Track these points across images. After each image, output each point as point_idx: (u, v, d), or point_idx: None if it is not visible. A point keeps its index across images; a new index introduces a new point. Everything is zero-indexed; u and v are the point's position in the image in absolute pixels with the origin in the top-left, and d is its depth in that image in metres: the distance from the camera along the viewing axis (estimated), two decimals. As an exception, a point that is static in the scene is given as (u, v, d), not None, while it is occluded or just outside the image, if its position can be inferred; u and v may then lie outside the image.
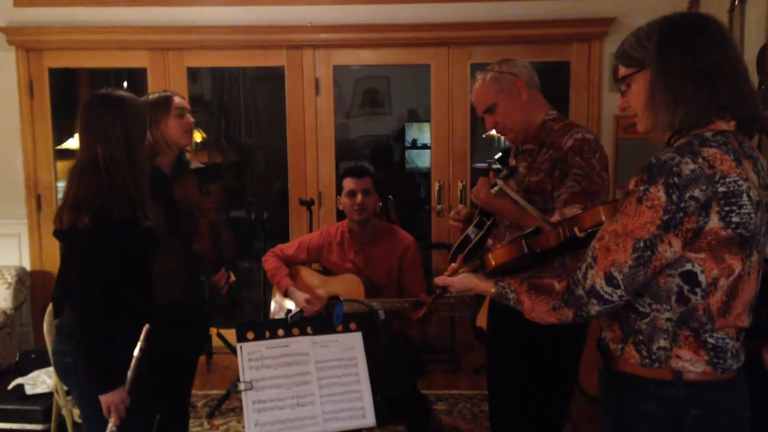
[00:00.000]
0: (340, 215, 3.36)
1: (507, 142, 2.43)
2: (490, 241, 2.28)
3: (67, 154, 4.82)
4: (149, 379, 2.15)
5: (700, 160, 1.30)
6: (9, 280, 4.33)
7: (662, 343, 1.39)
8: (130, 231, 2.06)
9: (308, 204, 3.99)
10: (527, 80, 2.24)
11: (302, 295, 3.16)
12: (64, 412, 2.91)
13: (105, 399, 2.00)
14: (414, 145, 6.65)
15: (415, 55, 4.63)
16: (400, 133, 6.70)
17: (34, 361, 3.70)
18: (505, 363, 2.34)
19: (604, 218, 1.45)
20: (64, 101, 5.01)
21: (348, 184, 3.21)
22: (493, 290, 1.61)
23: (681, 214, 1.30)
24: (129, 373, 2.01)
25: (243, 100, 6.63)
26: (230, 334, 4.29)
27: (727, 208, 1.30)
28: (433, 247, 4.62)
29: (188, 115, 2.59)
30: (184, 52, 4.58)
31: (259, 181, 6.67)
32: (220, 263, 2.77)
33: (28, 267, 4.60)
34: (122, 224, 2.03)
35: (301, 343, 1.96)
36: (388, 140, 6.87)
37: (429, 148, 4.99)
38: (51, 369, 3.04)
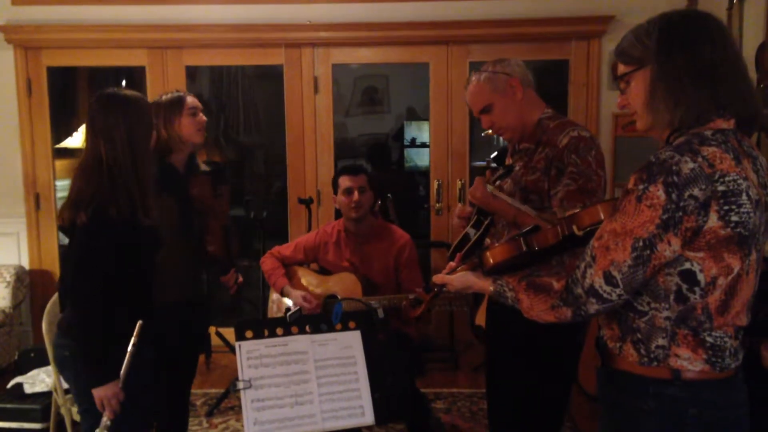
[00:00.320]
0: (339, 214, 3.36)
1: (505, 141, 2.43)
2: (488, 240, 2.28)
3: (66, 152, 4.82)
4: (146, 374, 2.16)
5: (700, 159, 1.30)
6: (8, 279, 4.32)
7: (661, 341, 1.39)
8: (127, 230, 2.06)
9: (307, 203, 3.99)
10: (521, 79, 2.24)
11: (298, 293, 3.16)
12: (63, 410, 2.90)
13: (97, 393, 2.03)
14: (413, 143, 6.64)
15: (414, 54, 4.63)
16: (399, 132, 6.70)
17: (33, 359, 3.70)
18: (503, 361, 2.34)
19: (602, 217, 1.45)
20: (63, 100, 5.01)
21: (344, 182, 3.21)
22: (491, 288, 1.61)
23: (680, 213, 1.29)
24: (123, 368, 2.02)
25: (242, 98, 6.62)
26: (229, 333, 4.29)
27: (726, 207, 1.30)
28: (432, 245, 4.62)
29: (201, 114, 2.65)
30: (182, 50, 4.58)
31: (258, 180, 6.66)
32: (230, 264, 2.81)
33: (26, 266, 4.60)
34: (119, 223, 2.04)
35: (300, 341, 1.97)
36: (387, 139, 6.87)
37: (428, 146, 4.99)
38: (50, 368, 3.04)
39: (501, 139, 2.45)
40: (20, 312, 4.50)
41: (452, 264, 1.80)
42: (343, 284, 3.18)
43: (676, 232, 1.31)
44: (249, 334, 1.93)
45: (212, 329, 4.47)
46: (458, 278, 1.72)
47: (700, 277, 1.34)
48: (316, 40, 4.53)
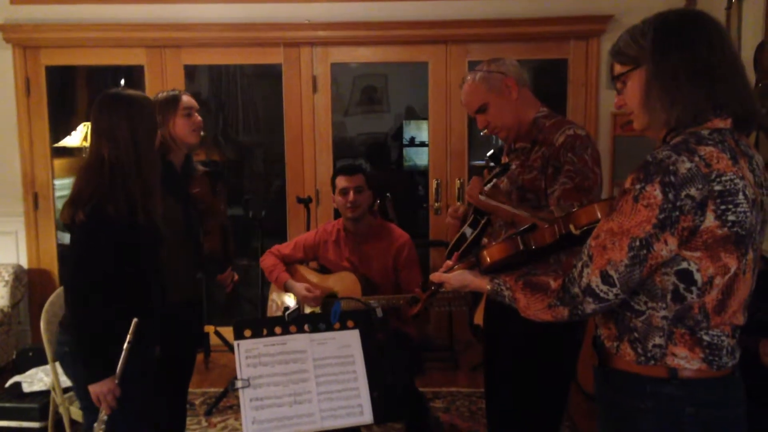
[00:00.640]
0: (339, 213, 3.36)
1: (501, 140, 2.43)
2: (485, 239, 2.28)
3: (65, 152, 4.82)
4: (147, 372, 2.16)
5: (697, 159, 1.30)
6: (6, 278, 4.32)
7: (657, 340, 1.39)
8: (125, 229, 2.07)
9: (306, 202, 3.99)
10: (517, 79, 2.24)
11: (301, 285, 3.16)
12: (61, 409, 2.90)
13: (93, 389, 2.04)
14: (412, 142, 6.64)
15: (413, 53, 4.63)
16: (398, 131, 6.70)
17: (32, 359, 3.70)
18: (502, 360, 2.34)
19: (599, 216, 1.45)
20: (61, 99, 5.00)
21: (340, 182, 3.21)
22: (488, 287, 1.61)
23: (677, 213, 1.30)
24: (119, 365, 2.02)
25: (240, 97, 6.62)
26: (228, 332, 4.29)
27: (723, 207, 1.30)
28: (431, 244, 4.62)
29: (196, 114, 2.63)
30: (181, 49, 4.57)
31: (256, 179, 6.66)
32: (227, 263, 2.81)
33: (25, 265, 4.59)
34: (117, 222, 2.05)
35: (299, 340, 1.97)
36: (386, 138, 6.87)
37: (427, 145, 4.98)
38: (48, 367, 3.04)
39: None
40: (18, 311, 4.50)
41: (449, 262, 1.80)
42: (343, 283, 3.18)
43: (672, 232, 1.31)
44: (248, 333, 1.94)
45: (211, 328, 4.47)
46: (455, 277, 1.72)
47: (697, 276, 1.34)
48: (315, 39, 4.53)
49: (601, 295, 1.37)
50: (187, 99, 2.62)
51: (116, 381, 2.04)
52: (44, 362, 3.34)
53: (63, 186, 4.66)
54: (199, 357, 4.41)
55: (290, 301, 3.31)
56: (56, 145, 4.65)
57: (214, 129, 6.43)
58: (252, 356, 1.92)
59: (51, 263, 4.66)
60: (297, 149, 4.65)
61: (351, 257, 3.25)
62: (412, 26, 4.42)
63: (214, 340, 4.47)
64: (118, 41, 4.49)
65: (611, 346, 1.46)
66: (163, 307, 2.26)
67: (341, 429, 1.92)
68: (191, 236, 2.61)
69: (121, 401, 2.06)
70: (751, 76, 3.18)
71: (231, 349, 3.95)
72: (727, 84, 1.36)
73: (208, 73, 6.27)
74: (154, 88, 4.42)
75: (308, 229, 3.92)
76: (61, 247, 4.67)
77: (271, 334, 1.95)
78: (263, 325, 1.97)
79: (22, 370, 3.61)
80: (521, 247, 1.59)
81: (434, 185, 4.65)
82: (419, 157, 6.45)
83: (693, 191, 1.29)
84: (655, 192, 1.29)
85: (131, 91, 2.20)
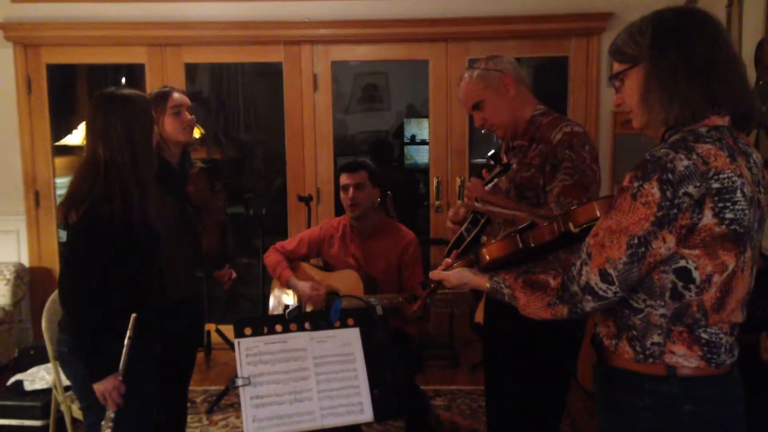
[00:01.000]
0: (339, 211, 3.35)
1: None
2: (484, 238, 2.28)
3: (66, 150, 4.82)
4: (148, 368, 2.17)
5: (694, 156, 1.30)
6: (7, 277, 4.33)
7: (656, 338, 1.39)
8: (120, 229, 2.06)
9: (306, 200, 3.98)
10: (514, 77, 2.24)
11: (305, 283, 3.14)
12: (63, 407, 2.91)
13: (97, 387, 2.04)
14: (413, 141, 6.64)
15: (414, 51, 4.63)
16: (399, 129, 6.70)
17: (33, 357, 3.70)
18: (501, 358, 2.34)
19: (598, 214, 1.45)
20: (62, 97, 5.01)
21: (342, 179, 3.19)
22: (487, 285, 1.61)
23: (675, 211, 1.30)
24: (122, 361, 2.03)
25: (241, 96, 6.62)
26: (229, 330, 4.30)
27: (720, 205, 1.30)
28: (431, 243, 4.62)
29: (186, 113, 2.59)
30: (181, 47, 4.57)
31: (257, 177, 6.66)
32: (224, 260, 2.80)
33: (26, 263, 4.60)
34: (112, 222, 2.04)
35: (299, 338, 1.97)
36: (387, 136, 6.87)
37: (427, 143, 4.98)
38: (50, 365, 3.05)
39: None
40: (20, 309, 4.51)
41: (448, 260, 1.80)
42: (345, 282, 3.17)
43: (670, 230, 1.31)
44: (248, 331, 1.93)
45: (212, 327, 4.47)
46: (455, 274, 1.71)
47: (695, 274, 1.34)
48: (315, 38, 4.53)
49: (600, 293, 1.37)
50: (177, 96, 2.58)
51: (120, 378, 2.04)
52: (46, 360, 3.34)
53: (64, 184, 4.65)
54: (201, 355, 4.42)
55: (289, 299, 3.31)
56: (57, 143, 4.66)
57: (215, 127, 6.43)
58: (252, 354, 1.92)
59: (52, 261, 4.67)
60: (298, 147, 4.65)
61: (356, 252, 3.24)
62: (412, 24, 4.41)
63: (215, 338, 4.47)
64: (119, 39, 4.49)
65: (610, 344, 1.47)
66: (160, 305, 2.26)
67: (341, 427, 1.92)
68: (188, 234, 2.60)
69: (126, 397, 2.06)
70: (752, 73, 3.17)
71: (232, 347, 3.97)
72: (726, 81, 1.36)
73: (209, 71, 6.27)
74: (154, 87, 4.38)
75: (309, 227, 3.92)
76: (62, 246, 4.67)
77: (272, 332, 1.95)
78: (264, 323, 1.97)
79: (23, 369, 3.62)
80: (520, 245, 1.59)
81: (435, 183, 4.65)
82: (420, 155, 6.45)
83: (691, 189, 1.29)
84: (653, 190, 1.30)
85: (126, 90, 2.19)
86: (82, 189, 2.07)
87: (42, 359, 3.53)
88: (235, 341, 1.93)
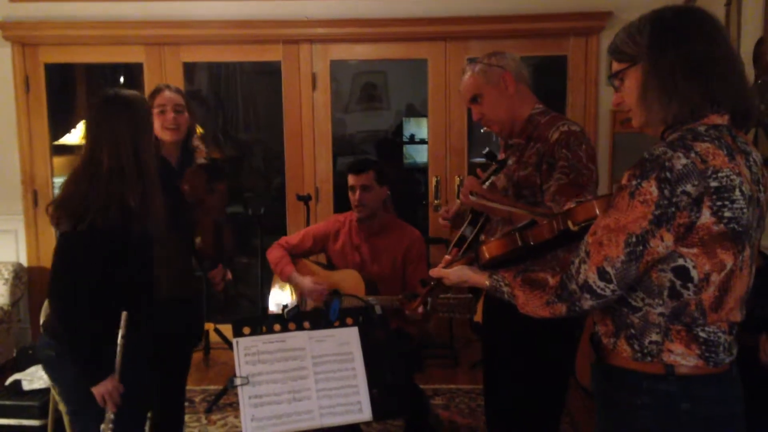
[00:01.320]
0: (338, 210, 3.34)
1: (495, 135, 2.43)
2: (483, 236, 2.28)
3: (64, 149, 4.82)
4: (142, 368, 2.16)
5: (693, 155, 1.30)
6: (6, 276, 4.32)
7: (654, 337, 1.39)
8: (115, 238, 2.01)
9: (305, 199, 3.98)
10: (515, 74, 2.25)
11: (307, 279, 3.13)
12: (61, 407, 2.90)
13: (97, 390, 2.01)
14: (412, 140, 6.64)
15: (413, 50, 4.62)
16: (398, 129, 6.70)
17: (31, 357, 3.69)
18: (500, 357, 2.34)
19: (597, 212, 1.45)
20: (61, 97, 5.00)
21: (349, 179, 3.17)
22: (487, 283, 1.61)
23: (673, 209, 1.29)
24: (117, 361, 2.01)
25: (240, 95, 6.62)
26: (227, 330, 4.30)
27: (719, 203, 1.30)
28: (430, 242, 4.62)
29: (170, 112, 2.54)
30: (180, 47, 4.57)
31: (256, 177, 6.66)
32: (218, 260, 2.78)
33: (24, 263, 4.60)
34: (106, 233, 1.99)
35: (298, 338, 1.97)
36: (386, 135, 6.87)
37: (426, 143, 4.98)
38: (48, 365, 3.04)
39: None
40: (18, 309, 4.50)
41: (448, 258, 1.80)
42: (347, 281, 3.16)
43: (668, 228, 1.31)
44: (246, 330, 1.93)
45: (210, 326, 4.47)
46: (454, 272, 1.71)
47: (694, 273, 1.34)
48: (314, 37, 4.52)
49: (598, 291, 1.37)
50: (165, 95, 2.54)
51: (117, 378, 2.02)
52: (44, 360, 3.34)
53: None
54: (199, 355, 4.42)
55: (288, 299, 3.30)
56: (56, 142, 4.65)
57: (214, 126, 6.43)
58: (251, 354, 1.91)
59: (50, 261, 4.64)
60: (296, 146, 4.65)
61: (362, 247, 3.23)
62: (411, 23, 4.41)
63: (213, 337, 4.47)
64: (118, 39, 4.48)
65: (608, 343, 1.47)
66: (153, 305, 2.21)
67: (340, 426, 1.92)
68: (179, 232, 2.57)
69: (124, 397, 2.04)
70: (750, 72, 3.17)
71: (230, 346, 3.97)
72: (725, 80, 1.36)
73: (208, 70, 6.27)
74: (153, 86, 4.41)
75: (308, 226, 3.91)
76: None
77: (270, 331, 1.95)
78: (262, 322, 1.97)
79: (22, 368, 3.61)
80: (520, 243, 1.59)
81: (434, 182, 4.65)
82: (419, 154, 6.45)
83: (689, 187, 1.28)
84: (651, 188, 1.29)
85: (128, 92, 2.13)
86: (77, 196, 2.00)
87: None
88: (234, 341, 1.93)
